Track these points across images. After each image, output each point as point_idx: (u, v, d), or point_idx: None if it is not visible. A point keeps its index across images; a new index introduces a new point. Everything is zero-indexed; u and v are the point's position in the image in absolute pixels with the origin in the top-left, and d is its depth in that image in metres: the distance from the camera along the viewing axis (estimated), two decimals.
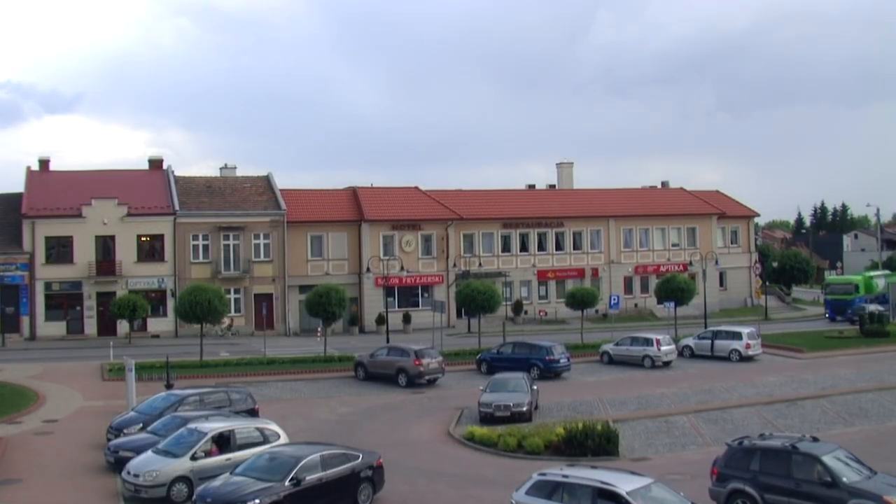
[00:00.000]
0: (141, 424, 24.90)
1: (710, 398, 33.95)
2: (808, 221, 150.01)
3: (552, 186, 75.84)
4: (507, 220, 65.15)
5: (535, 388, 31.85)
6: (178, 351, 43.21)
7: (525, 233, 65.99)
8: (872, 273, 70.39)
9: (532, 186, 76.74)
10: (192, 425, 22.11)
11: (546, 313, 64.32)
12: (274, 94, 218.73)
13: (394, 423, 30.07)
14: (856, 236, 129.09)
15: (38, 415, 30.48)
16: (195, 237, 55.73)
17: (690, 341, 46.06)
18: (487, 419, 29.35)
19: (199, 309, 40.31)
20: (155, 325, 53.94)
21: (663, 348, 42.39)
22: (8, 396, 32.98)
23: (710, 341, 45.21)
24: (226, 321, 51.80)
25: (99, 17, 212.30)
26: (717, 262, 65.59)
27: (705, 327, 50.57)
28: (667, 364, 42.17)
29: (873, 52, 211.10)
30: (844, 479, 17.77)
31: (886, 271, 74.41)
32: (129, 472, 20.63)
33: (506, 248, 65.29)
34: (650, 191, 77.27)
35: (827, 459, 18.23)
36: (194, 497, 18.84)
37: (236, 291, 55.85)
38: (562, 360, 39.45)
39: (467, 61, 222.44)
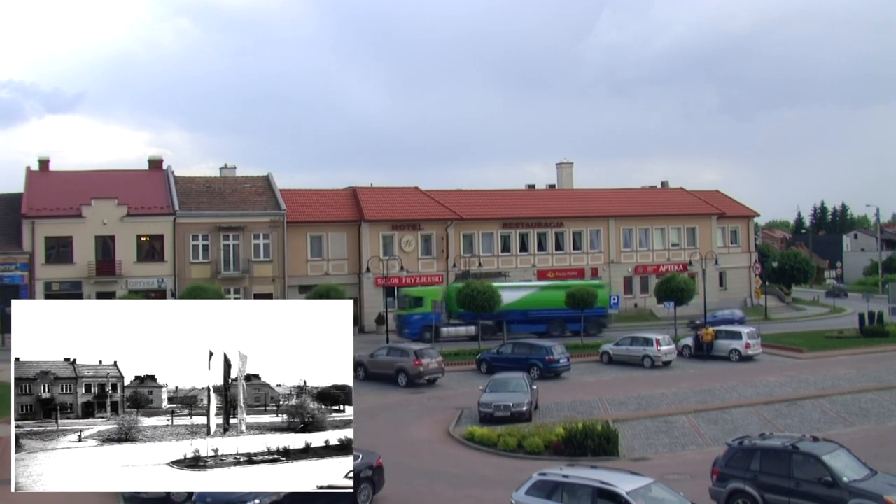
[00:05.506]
0: None
1: (710, 398, 33.94)
2: (807, 221, 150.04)
3: (552, 186, 75.82)
4: (506, 220, 65.12)
5: (534, 388, 31.87)
6: None
7: (525, 233, 65.96)
8: (506, 284, 55.31)
9: (532, 186, 76.67)
10: None
11: None
12: (274, 94, 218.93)
13: (394, 423, 30.05)
14: (855, 236, 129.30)
15: None
16: (195, 237, 55.67)
17: (690, 341, 46.05)
18: (487, 419, 29.35)
19: None
20: None
21: (663, 348, 42.39)
22: (7, 396, 32.92)
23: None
24: None
25: (100, 17, 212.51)
26: (716, 262, 65.56)
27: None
28: (666, 364, 42.18)
29: (875, 53, 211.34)
30: (845, 479, 17.76)
31: (538, 284, 58.94)
32: None
33: (505, 248, 65.26)
34: (650, 191, 77.22)
35: (827, 459, 18.23)
36: (194, 497, 18.80)
37: (236, 291, 55.78)
38: (561, 361, 39.45)
39: (468, 61, 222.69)
